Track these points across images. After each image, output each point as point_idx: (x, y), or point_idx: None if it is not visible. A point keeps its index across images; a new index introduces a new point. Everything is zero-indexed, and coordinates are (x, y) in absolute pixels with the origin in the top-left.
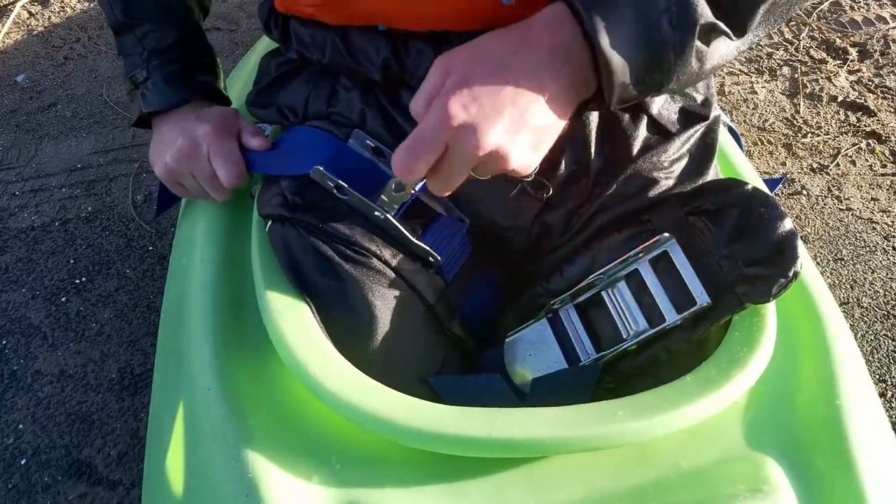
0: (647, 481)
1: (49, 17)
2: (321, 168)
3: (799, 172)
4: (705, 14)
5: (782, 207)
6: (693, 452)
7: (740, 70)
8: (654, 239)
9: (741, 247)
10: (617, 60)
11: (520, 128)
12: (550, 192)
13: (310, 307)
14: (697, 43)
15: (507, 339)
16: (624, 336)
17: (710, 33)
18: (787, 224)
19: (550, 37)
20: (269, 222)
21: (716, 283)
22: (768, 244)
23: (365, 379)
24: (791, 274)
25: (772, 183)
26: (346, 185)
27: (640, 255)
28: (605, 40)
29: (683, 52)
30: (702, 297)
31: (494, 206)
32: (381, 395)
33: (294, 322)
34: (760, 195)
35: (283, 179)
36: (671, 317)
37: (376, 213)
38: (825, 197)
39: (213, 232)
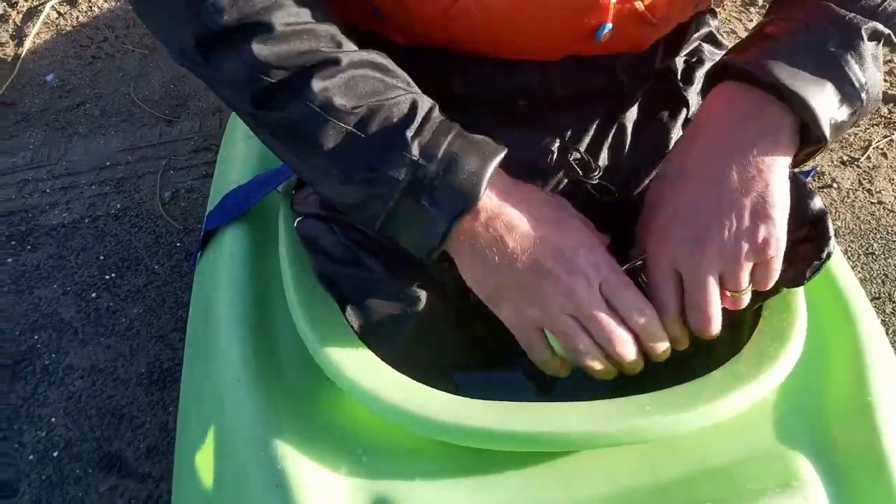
0: (674, 477)
1: (77, 17)
2: None
3: (829, 165)
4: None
5: (811, 186)
6: (721, 448)
7: None
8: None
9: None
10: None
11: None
12: (615, 195)
13: (337, 302)
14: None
15: None
16: None
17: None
18: (818, 203)
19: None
20: (299, 218)
21: None
22: (801, 223)
23: (392, 372)
24: (825, 254)
25: (801, 176)
26: None
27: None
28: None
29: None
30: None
31: None
32: (408, 389)
33: (321, 316)
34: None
35: None
36: None
37: None
38: (856, 190)
39: (240, 227)
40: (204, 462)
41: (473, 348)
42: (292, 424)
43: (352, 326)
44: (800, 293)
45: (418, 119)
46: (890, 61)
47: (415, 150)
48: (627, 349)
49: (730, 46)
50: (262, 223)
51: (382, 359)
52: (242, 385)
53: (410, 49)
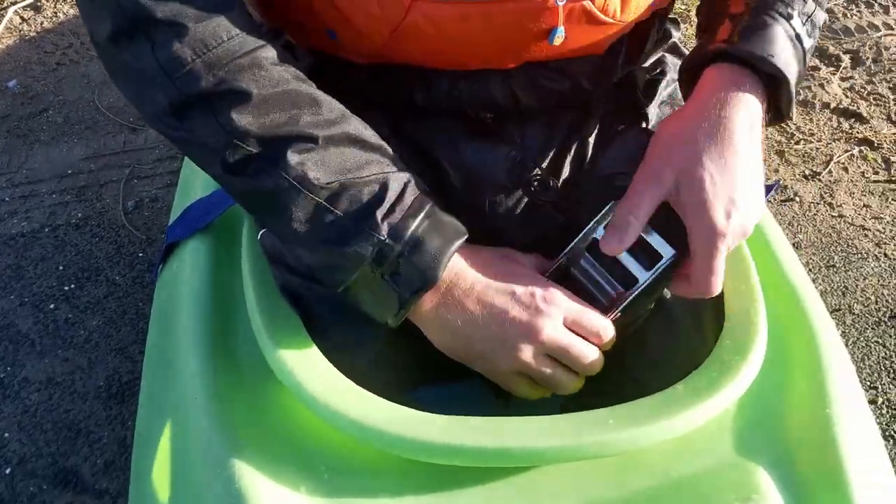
0: (637, 490)
1: (41, 23)
2: None
3: (792, 179)
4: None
5: None
6: (684, 461)
7: None
8: (607, 207)
9: None
10: (791, 73)
11: (755, 197)
12: (555, 193)
13: (299, 316)
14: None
15: None
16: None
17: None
18: None
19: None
20: (263, 230)
21: (681, 232)
22: None
23: (355, 388)
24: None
25: (764, 190)
26: None
27: (595, 225)
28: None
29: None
30: (666, 250)
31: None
32: (370, 405)
33: (284, 331)
34: None
35: None
36: (643, 276)
37: None
38: (818, 204)
39: (203, 239)
40: (160, 481)
41: (436, 361)
42: (252, 442)
43: (314, 341)
44: (761, 306)
45: (389, 199)
46: (851, 78)
47: (384, 230)
48: (599, 362)
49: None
50: (226, 235)
51: (345, 374)
52: (200, 402)
53: (371, 67)
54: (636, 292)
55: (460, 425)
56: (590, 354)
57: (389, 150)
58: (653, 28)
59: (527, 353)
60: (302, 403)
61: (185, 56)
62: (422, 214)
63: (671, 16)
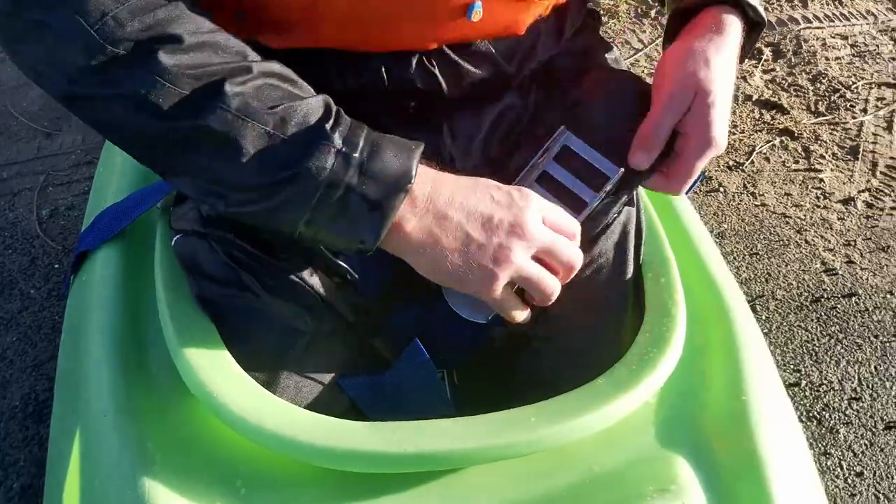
0: (561, 486)
1: None
2: None
3: (716, 170)
4: None
5: (629, 72)
6: (606, 454)
7: None
8: (552, 138)
9: (630, 120)
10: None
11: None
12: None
13: (216, 325)
14: None
15: (443, 289)
16: None
17: None
18: (642, 83)
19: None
20: (177, 235)
21: (623, 151)
22: (636, 107)
23: (269, 397)
24: None
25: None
26: None
27: (543, 157)
28: None
29: None
30: (611, 170)
31: None
32: (285, 414)
33: (197, 341)
34: (621, 73)
35: None
36: (590, 197)
37: None
38: (741, 193)
39: (114, 247)
40: (72, 502)
41: (361, 358)
42: (164, 458)
43: (233, 350)
44: (680, 298)
45: (334, 114)
46: (773, 70)
47: (337, 140)
48: (578, 256)
49: (613, 48)
50: (140, 242)
51: (269, 381)
52: (109, 419)
53: (286, 52)
54: (587, 213)
55: (378, 431)
56: (572, 251)
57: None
58: (571, 12)
59: (520, 254)
60: (215, 415)
61: (105, 3)
62: (366, 127)
63: (592, 7)
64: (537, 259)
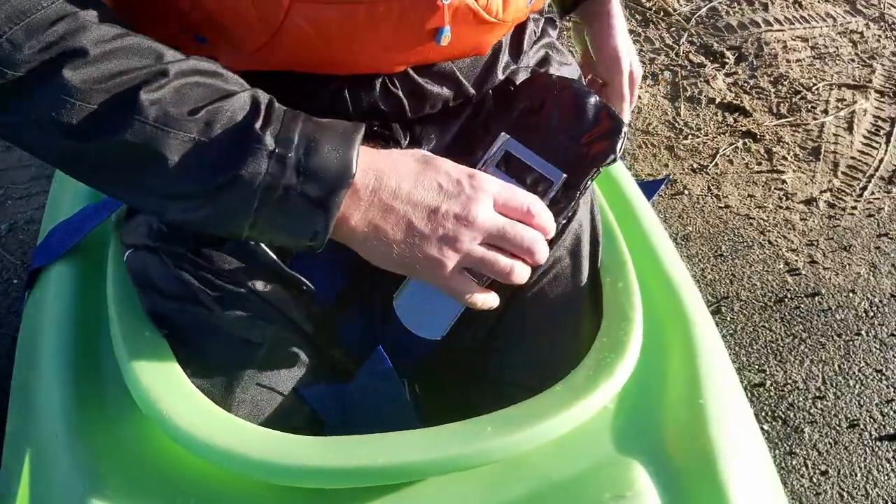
0: (518, 496)
1: None
2: None
3: (681, 173)
4: None
5: (584, 86)
6: (564, 462)
7: None
8: (494, 144)
9: (571, 126)
10: None
11: None
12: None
13: (168, 341)
14: None
15: (394, 301)
16: None
17: None
18: (594, 99)
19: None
20: (129, 250)
21: (566, 158)
22: (589, 119)
23: (219, 413)
24: (623, 133)
25: (655, 184)
26: None
27: (487, 162)
28: None
29: None
30: (555, 174)
31: None
32: (235, 430)
33: (148, 357)
34: (564, 81)
35: None
36: None
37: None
38: (705, 196)
39: (67, 263)
40: None
41: (321, 369)
42: (116, 479)
43: (189, 367)
44: (637, 302)
45: (262, 111)
46: (735, 73)
47: (269, 141)
48: (541, 245)
49: (569, 56)
50: (93, 258)
51: (225, 396)
52: (61, 440)
53: (247, 75)
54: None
55: (330, 446)
56: (526, 235)
57: (241, 79)
58: (529, 27)
59: (466, 243)
60: (165, 433)
61: None
62: (301, 119)
63: (548, 15)
64: (491, 245)
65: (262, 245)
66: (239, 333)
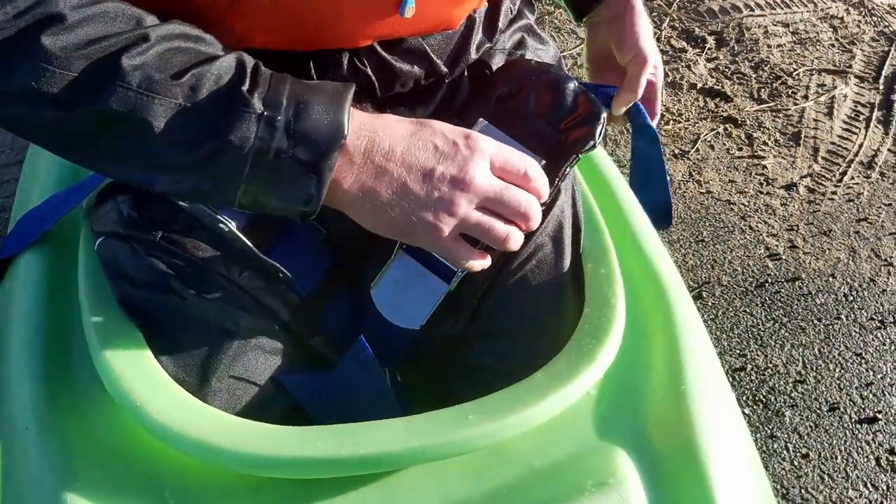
0: (501, 483)
1: None
2: None
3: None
4: None
5: (564, 71)
6: (547, 449)
7: None
8: (472, 130)
9: (550, 112)
10: None
11: None
12: None
13: (141, 330)
14: None
15: (372, 290)
16: None
17: None
18: (573, 84)
19: None
20: (100, 238)
21: (544, 144)
22: (568, 104)
23: (194, 403)
24: (602, 119)
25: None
26: None
27: None
28: None
29: None
30: (533, 158)
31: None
32: (212, 421)
33: (121, 347)
34: (543, 66)
35: (120, 193)
36: None
37: (221, 224)
38: (687, 181)
39: (37, 252)
40: None
41: (299, 357)
42: (88, 472)
43: (162, 356)
44: (619, 289)
45: (249, 74)
46: (716, 58)
47: (256, 103)
48: (536, 210)
49: (548, 40)
50: (65, 246)
51: (201, 386)
52: (31, 433)
53: None
54: None
55: (307, 436)
56: (522, 199)
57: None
58: (506, 4)
59: (463, 207)
60: (141, 424)
61: None
62: (289, 81)
63: None
64: (487, 209)
65: (236, 231)
66: (213, 322)
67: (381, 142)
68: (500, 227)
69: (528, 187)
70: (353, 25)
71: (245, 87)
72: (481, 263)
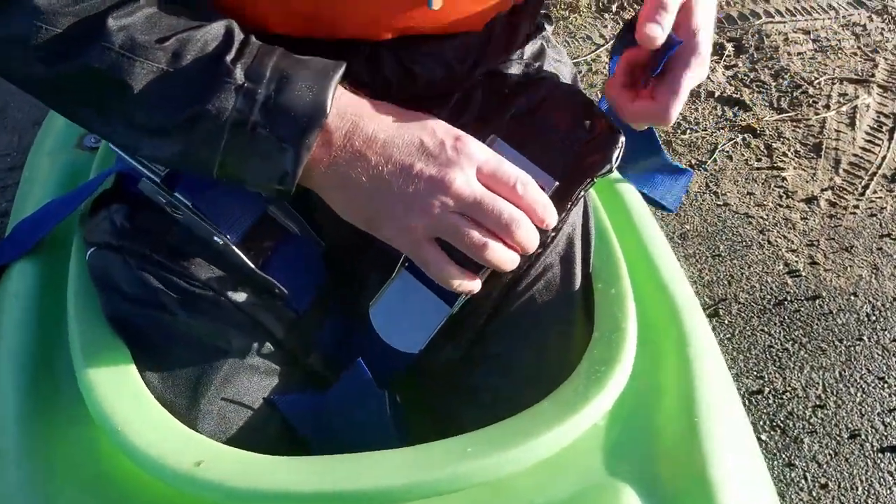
0: None
1: None
2: (154, 178)
3: None
4: None
5: (583, 92)
6: (549, 484)
7: None
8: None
9: (567, 134)
10: None
11: None
12: None
13: (129, 348)
14: None
15: (370, 309)
16: None
17: None
18: (592, 105)
19: None
20: (91, 249)
21: (559, 165)
22: (587, 126)
23: (181, 430)
24: (620, 143)
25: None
26: (183, 200)
27: None
28: None
29: None
30: (547, 181)
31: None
32: (198, 449)
33: (107, 365)
34: (562, 85)
35: (114, 202)
36: None
37: (216, 237)
38: (703, 193)
39: (30, 261)
40: None
41: (294, 377)
42: (70, 497)
43: (150, 375)
44: (631, 311)
45: (236, 44)
46: (735, 66)
47: (238, 74)
48: (524, 227)
49: (563, 52)
50: (57, 256)
51: (190, 406)
52: (11, 456)
53: None
54: None
55: (300, 468)
56: (505, 210)
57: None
58: (528, 10)
59: (437, 210)
60: (122, 450)
61: None
62: (277, 54)
63: (544, 11)
64: (468, 217)
65: (232, 245)
66: (205, 340)
67: (365, 126)
68: (476, 235)
69: (517, 202)
70: (377, 14)
71: (229, 57)
72: (461, 281)
